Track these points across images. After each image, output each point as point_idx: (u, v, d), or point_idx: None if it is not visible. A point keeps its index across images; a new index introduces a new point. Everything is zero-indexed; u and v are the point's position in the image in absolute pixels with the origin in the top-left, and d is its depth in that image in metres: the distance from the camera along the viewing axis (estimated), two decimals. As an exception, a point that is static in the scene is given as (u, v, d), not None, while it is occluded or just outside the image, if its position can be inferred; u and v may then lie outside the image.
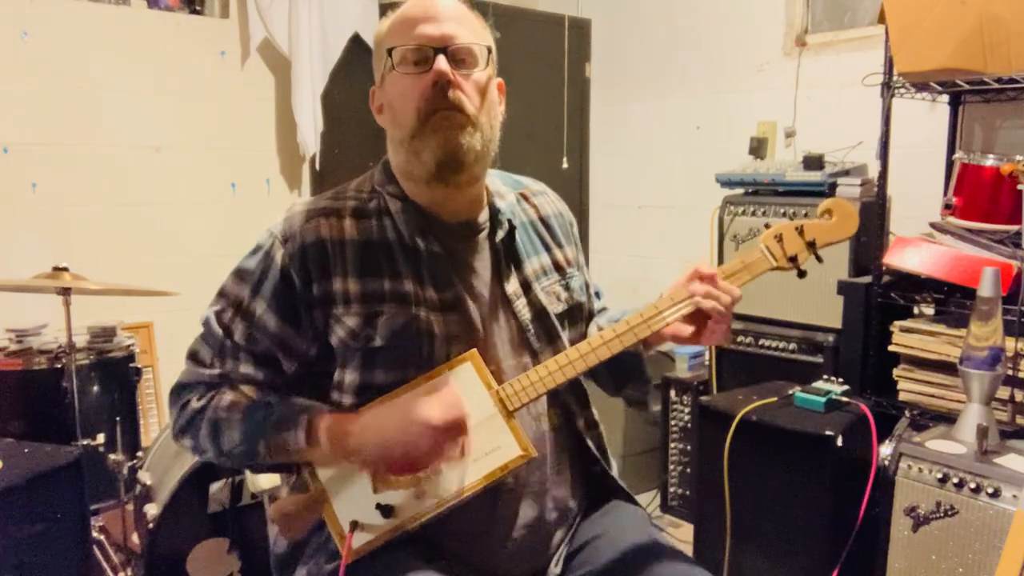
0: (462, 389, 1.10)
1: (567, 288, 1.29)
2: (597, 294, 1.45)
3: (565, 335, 1.25)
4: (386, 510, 1.09)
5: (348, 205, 1.19)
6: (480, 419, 1.10)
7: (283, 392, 1.16)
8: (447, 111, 1.11)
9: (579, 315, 1.31)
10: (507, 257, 1.24)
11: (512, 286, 1.23)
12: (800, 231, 1.19)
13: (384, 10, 3.10)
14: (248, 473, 1.91)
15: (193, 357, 1.19)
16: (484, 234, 1.24)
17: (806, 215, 2.33)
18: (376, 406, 1.11)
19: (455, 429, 1.04)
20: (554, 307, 1.26)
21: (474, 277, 1.22)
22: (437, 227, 1.20)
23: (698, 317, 1.16)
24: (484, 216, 1.25)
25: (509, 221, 1.24)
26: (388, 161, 1.23)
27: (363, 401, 1.14)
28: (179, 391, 1.18)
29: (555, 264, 1.30)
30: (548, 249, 1.31)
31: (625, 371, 1.33)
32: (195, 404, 1.15)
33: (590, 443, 1.28)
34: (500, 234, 1.23)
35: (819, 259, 1.21)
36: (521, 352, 1.21)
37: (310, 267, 1.13)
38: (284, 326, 1.14)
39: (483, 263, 1.23)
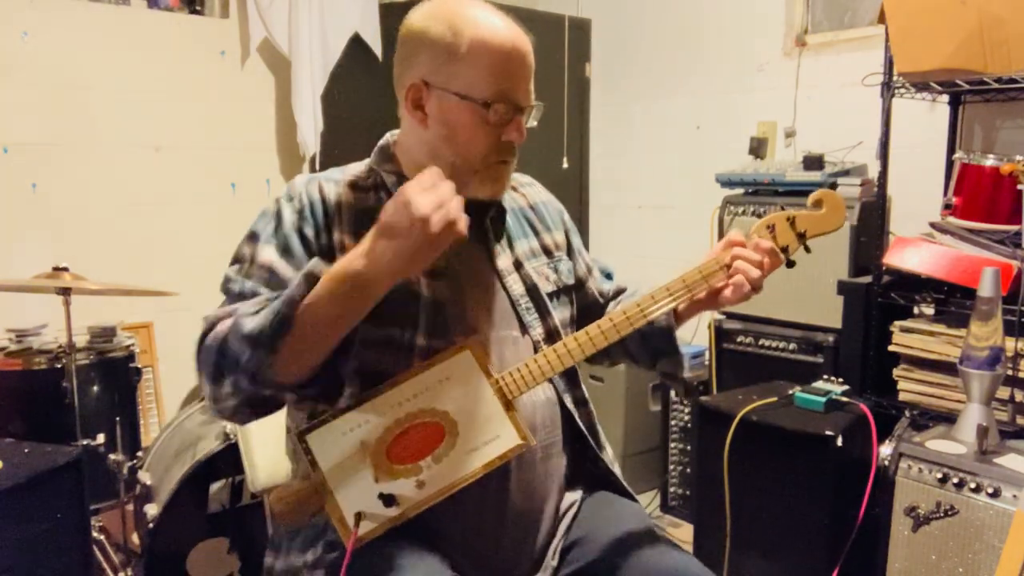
0: (461, 379, 1.11)
1: (555, 271, 1.33)
2: (608, 276, 1.47)
3: (556, 313, 1.28)
4: (388, 500, 1.09)
5: (346, 178, 1.23)
6: (479, 409, 1.11)
7: None
8: (508, 161, 1.20)
9: (568, 297, 1.34)
10: (497, 236, 1.27)
11: (504, 262, 1.26)
12: (792, 222, 1.21)
13: (384, 10, 3.13)
14: (248, 473, 1.91)
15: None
16: (474, 212, 1.24)
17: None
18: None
19: (451, 226, 1.00)
20: (544, 286, 1.28)
21: (464, 249, 1.21)
22: None
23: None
24: None
25: (499, 203, 1.28)
26: (385, 146, 1.26)
27: (343, 359, 1.10)
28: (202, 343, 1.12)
29: (543, 247, 1.34)
30: (536, 233, 1.35)
31: (656, 345, 1.34)
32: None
33: (579, 421, 1.28)
34: (491, 213, 1.26)
35: (807, 249, 1.23)
36: (511, 325, 1.23)
37: (316, 218, 1.17)
38: (295, 273, 1.13)
39: (474, 239, 1.23)
